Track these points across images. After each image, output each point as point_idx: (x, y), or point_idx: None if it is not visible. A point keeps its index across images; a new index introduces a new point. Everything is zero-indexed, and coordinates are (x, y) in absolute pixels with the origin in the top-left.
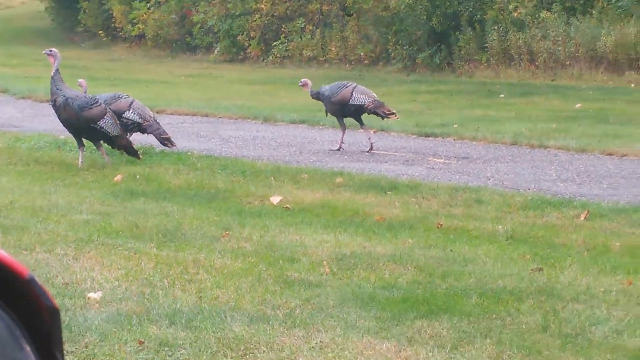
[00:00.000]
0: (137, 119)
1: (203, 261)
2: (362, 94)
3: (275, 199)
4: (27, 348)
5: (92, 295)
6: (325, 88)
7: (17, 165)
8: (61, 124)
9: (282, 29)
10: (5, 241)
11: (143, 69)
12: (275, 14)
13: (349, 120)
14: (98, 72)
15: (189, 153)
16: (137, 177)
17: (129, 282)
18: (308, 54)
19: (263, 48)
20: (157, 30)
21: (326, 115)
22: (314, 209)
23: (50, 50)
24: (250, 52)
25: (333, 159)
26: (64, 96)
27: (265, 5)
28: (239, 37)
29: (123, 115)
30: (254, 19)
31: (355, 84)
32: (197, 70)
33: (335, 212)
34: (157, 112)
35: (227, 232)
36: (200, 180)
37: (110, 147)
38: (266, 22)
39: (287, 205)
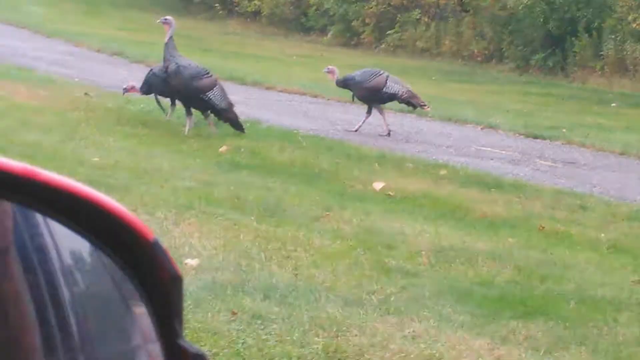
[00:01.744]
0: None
1: (301, 239)
2: (396, 83)
3: (378, 185)
4: (137, 310)
5: (189, 261)
6: (356, 73)
7: (124, 126)
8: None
9: (398, 19)
10: None
11: (256, 45)
12: (392, 3)
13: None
14: (212, 44)
15: (295, 131)
16: (242, 150)
17: (227, 252)
18: (421, 45)
19: (377, 35)
20: (273, 8)
21: (353, 101)
22: (416, 199)
23: (166, 19)
24: (364, 39)
25: (439, 151)
26: (177, 64)
27: None
28: (354, 23)
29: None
30: (370, 6)
31: (387, 73)
32: (310, 51)
33: (437, 204)
34: (267, 89)
35: (328, 213)
36: (305, 159)
37: (217, 118)
38: (382, 10)
39: (390, 193)
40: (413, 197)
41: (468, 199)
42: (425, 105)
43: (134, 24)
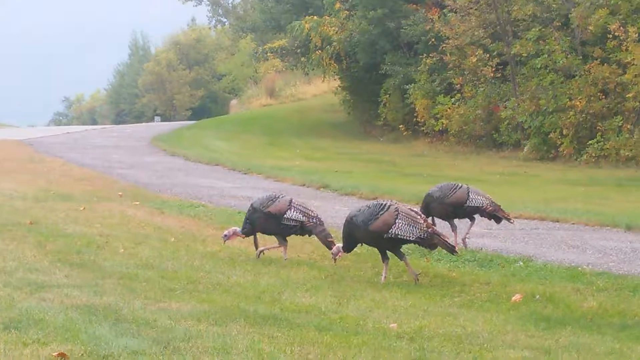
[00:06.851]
0: (300, 217)
1: None
2: (478, 195)
3: None
4: None
5: None
6: (433, 190)
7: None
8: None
9: (598, 127)
10: None
11: (449, 165)
12: (591, 111)
13: None
14: (406, 167)
15: (577, 268)
16: (537, 297)
17: None
18: (626, 153)
19: (576, 146)
20: (461, 125)
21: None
22: None
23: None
24: (563, 151)
25: None
26: (349, 216)
27: (580, 103)
28: (551, 135)
29: (285, 216)
30: (568, 117)
31: (467, 185)
32: (508, 168)
33: None
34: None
35: None
36: (614, 304)
37: (426, 249)
38: (580, 119)
39: None
40: None
41: None
42: (510, 219)
43: (321, 152)
